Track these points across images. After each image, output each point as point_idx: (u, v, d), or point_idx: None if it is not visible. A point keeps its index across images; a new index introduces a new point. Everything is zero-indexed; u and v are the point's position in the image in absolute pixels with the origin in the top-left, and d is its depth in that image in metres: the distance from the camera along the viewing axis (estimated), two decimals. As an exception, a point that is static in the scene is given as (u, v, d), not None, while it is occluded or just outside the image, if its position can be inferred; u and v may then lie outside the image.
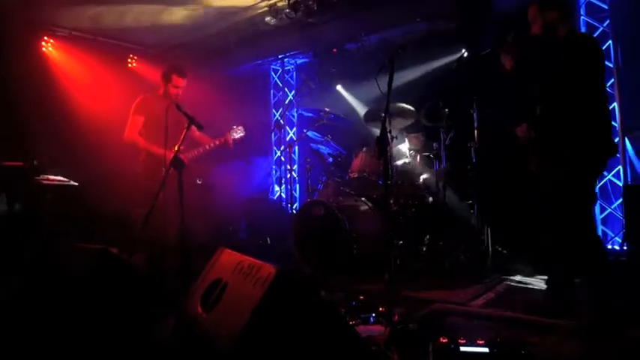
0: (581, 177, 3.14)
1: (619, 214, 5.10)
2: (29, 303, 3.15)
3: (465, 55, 5.42)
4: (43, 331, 2.84)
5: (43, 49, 6.74)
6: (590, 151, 3.10)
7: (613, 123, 5.18)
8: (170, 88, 4.58)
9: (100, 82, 7.00)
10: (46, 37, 6.75)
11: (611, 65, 5.21)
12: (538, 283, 4.37)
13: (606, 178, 5.28)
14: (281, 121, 7.50)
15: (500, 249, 5.19)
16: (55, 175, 5.44)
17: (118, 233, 4.76)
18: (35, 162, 5.31)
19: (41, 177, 5.28)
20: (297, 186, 8.39)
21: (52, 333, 2.80)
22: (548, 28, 3.21)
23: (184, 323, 2.67)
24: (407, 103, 5.35)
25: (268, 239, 6.69)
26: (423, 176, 5.42)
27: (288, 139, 8.67)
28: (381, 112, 3.38)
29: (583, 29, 5.46)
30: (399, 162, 5.41)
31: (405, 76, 6.70)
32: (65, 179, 5.51)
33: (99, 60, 7.05)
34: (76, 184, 5.60)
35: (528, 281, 4.50)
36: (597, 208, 5.33)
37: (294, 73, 8.81)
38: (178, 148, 3.81)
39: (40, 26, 6.55)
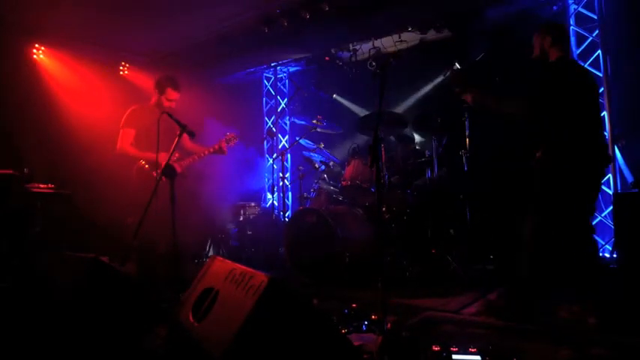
0: (581, 189, 3.29)
1: (609, 222, 5.13)
2: (18, 312, 3.12)
3: (457, 64, 5.45)
4: (32, 340, 2.81)
5: (34, 56, 6.71)
6: (586, 164, 3.27)
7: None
8: (164, 101, 4.56)
9: (91, 89, 6.98)
10: (37, 45, 6.71)
11: (600, 75, 5.27)
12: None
13: (596, 186, 5.32)
14: (273, 129, 7.51)
15: (492, 257, 5.21)
16: (46, 183, 5.41)
17: (110, 242, 4.73)
18: (26, 170, 5.28)
19: (32, 185, 5.25)
20: (290, 194, 8.39)
21: (42, 342, 2.77)
22: (543, 52, 3.54)
23: (176, 332, 2.65)
24: (400, 112, 5.38)
25: (260, 247, 6.67)
26: (416, 183, 5.43)
27: (280, 147, 8.68)
28: (373, 120, 3.40)
29: (572, 39, 5.52)
30: (392, 169, 5.42)
31: (399, 86, 6.73)
32: (56, 187, 5.47)
33: (90, 68, 7.03)
34: (68, 192, 5.56)
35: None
36: (588, 216, 5.37)
37: (287, 81, 8.83)
38: (171, 156, 3.80)
39: (30, 33, 6.51)
